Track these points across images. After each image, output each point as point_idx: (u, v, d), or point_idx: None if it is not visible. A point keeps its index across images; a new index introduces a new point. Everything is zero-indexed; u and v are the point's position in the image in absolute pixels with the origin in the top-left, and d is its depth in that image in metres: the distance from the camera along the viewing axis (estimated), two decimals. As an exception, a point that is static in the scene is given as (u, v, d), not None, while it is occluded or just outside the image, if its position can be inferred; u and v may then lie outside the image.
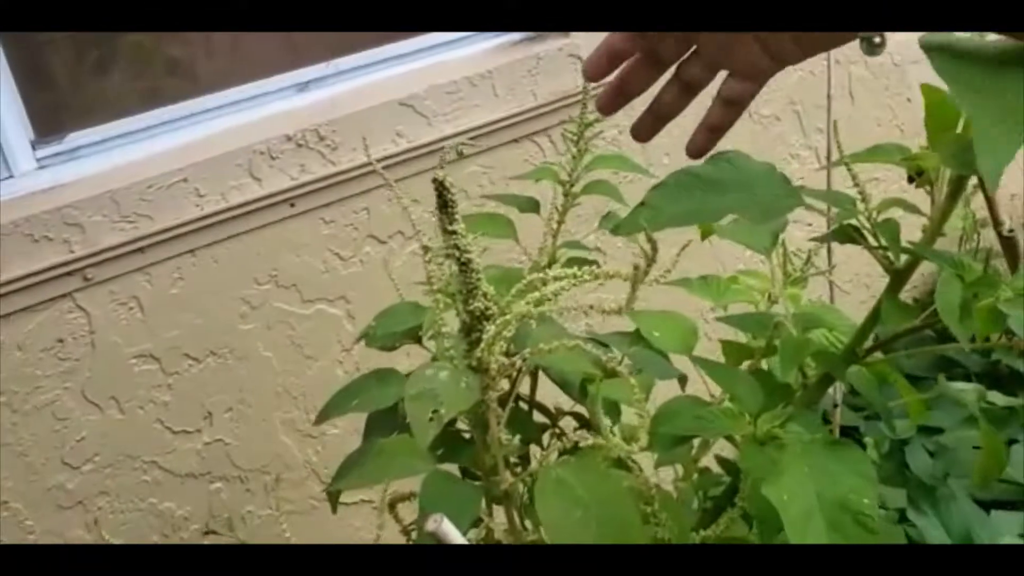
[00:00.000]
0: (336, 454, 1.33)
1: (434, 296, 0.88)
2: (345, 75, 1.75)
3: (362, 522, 1.90)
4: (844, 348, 0.96)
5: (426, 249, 0.90)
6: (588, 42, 1.89)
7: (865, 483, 0.79)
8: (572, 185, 1.23)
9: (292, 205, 1.67)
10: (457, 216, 0.85)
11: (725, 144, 1.02)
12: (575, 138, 1.19)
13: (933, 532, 1.78)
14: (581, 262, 1.14)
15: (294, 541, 1.81)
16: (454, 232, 0.85)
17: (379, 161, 1.71)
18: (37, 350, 1.52)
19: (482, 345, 0.86)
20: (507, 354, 0.94)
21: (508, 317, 0.82)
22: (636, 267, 0.78)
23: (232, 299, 1.67)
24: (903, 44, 2.87)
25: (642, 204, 0.86)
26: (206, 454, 1.72)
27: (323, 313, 1.76)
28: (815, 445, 0.82)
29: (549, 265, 1.23)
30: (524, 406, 1.25)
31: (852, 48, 2.45)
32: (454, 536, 0.68)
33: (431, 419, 0.82)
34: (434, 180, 0.83)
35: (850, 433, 2.38)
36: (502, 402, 0.95)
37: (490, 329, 0.85)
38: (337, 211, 1.72)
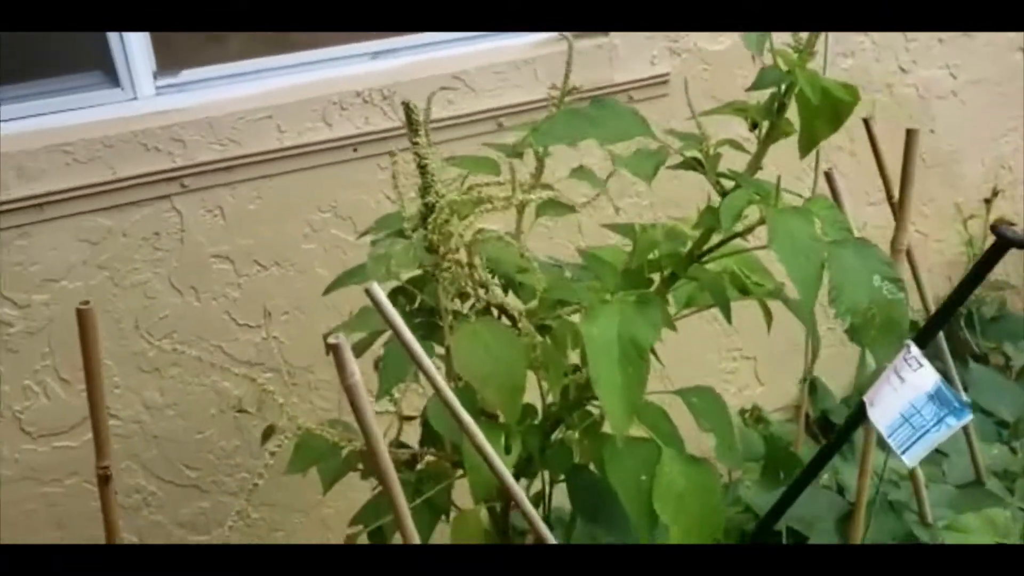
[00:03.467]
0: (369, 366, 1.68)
1: (397, 190, 1.21)
2: (411, 49, 2.11)
3: (382, 427, 2.24)
4: (687, 251, 1.26)
5: (391, 154, 1.23)
6: (624, 40, 2.21)
7: (653, 330, 1.10)
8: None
9: (355, 150, 2.03)
10: (420, 131, 1.19)
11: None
12: (555, 106, 1.51)
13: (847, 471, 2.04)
14: (555, 204, 1.48)
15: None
16: (417, 143, 1.19)
17: (430, 122, 2.06)
18: (138, 238, 1.90)
19: (430, 226, 1.19)
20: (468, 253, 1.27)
21: (446, 200, 1.15)
22: (526, 179, 1.10)
23: (298, 221, 2.04)
24: (930, 79, 3.08)
25: (534, 129, 1.19)
26: (262, 347, 2.08)
27: (372, 244, 2.12)
28: (628, 302, 1.14)
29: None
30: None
31: (874, 76, 2.82)
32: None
33: (383, 272, 1.15)
34: (403, 104, 1.17)
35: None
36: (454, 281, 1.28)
37: (437, 214, 1.18)
38: (387, 163, 2.07)
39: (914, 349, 0.96)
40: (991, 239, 3.05)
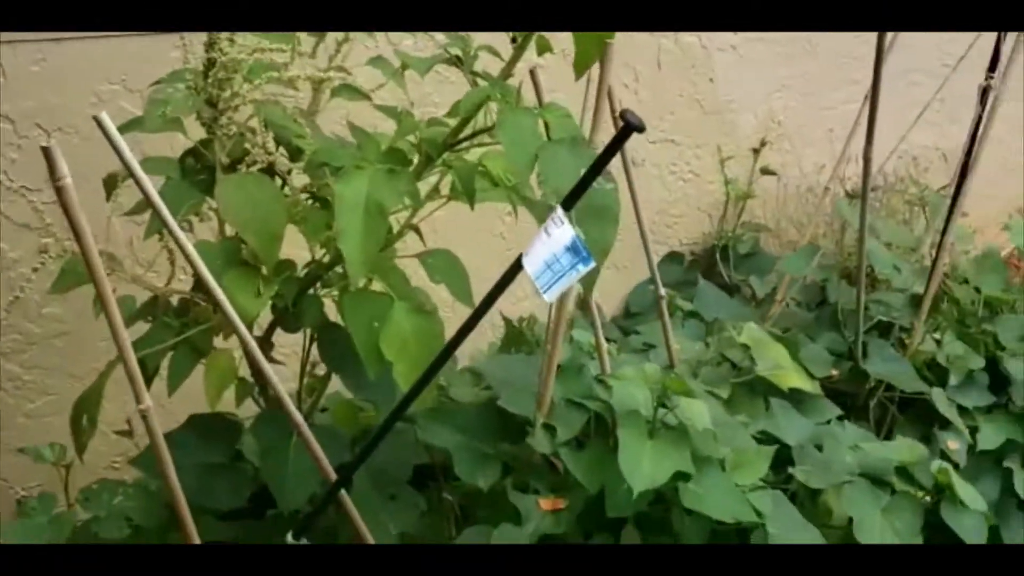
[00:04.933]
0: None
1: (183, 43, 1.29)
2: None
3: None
4: (444, 137, 1.41)
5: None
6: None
7: (397, 197, 1.26)
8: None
9: (148, 24, 2.06)
10: (209, -10, 1.27)
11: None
12: None
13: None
14: (351, 89, 1.58)
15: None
16: (206, 0, 1.26)
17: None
18: (-86, 86, 1.89)
19: (210, 79, 1.28)
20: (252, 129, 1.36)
21: (225, 59, 1.24)
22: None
23: (85, 90, 2.06)
24: (714, 34, 3.26)
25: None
26: (43, 211, 2.09)
27: (159, 120, 2.15)
28: (382, 170, 1.29)
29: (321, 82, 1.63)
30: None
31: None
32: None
33: (160, 115, 1.24)
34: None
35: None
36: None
37: (218, 69, 1.27)
38: (185, 38, 2.11)
39: (559, 211, 1.16)
40: (756, 184, 3.36)
